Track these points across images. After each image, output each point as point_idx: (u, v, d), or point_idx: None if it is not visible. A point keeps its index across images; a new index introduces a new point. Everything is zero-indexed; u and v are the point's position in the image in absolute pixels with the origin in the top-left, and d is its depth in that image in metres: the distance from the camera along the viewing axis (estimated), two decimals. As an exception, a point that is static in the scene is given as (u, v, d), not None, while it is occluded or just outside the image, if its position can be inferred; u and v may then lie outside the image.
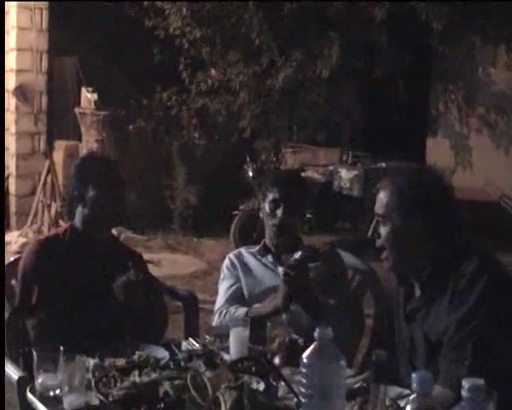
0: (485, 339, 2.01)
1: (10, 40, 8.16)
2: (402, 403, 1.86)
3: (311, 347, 1.70)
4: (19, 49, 8.22)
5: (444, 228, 2.16)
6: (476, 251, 2.16)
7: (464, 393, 1.38)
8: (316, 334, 1.69)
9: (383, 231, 2.19)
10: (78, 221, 2.77)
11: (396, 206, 2.16)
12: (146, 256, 3.15)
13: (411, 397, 1.50)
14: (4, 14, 7.42)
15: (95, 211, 2.71)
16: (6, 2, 7.40)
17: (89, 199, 2.71)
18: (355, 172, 8.05)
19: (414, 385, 1.48)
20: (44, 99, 8.50)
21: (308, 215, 7.49)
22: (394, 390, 1.98)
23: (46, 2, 8.29)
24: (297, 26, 8.84)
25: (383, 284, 3.10)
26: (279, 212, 2.80)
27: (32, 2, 8.18)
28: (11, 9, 8.06)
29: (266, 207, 2.85)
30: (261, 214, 2.94)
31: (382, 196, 2.21)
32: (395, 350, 2.29)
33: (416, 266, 2.19)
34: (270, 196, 2.84)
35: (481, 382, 1.37)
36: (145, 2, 8.95)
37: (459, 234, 2.18)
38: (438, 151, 9.33)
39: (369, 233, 2.24)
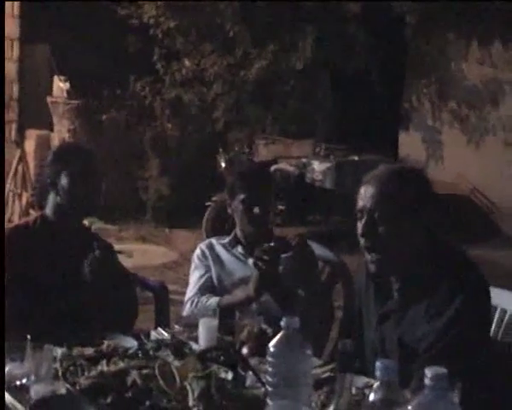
0: (463, 350, 2.01)
1: (-19, 27, 8.05)
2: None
3: (278, 336, 1.71)
4: (-11, 36, 8.11)
5: (431, 229, 2.13)
6: (459, 259, 2.14)
7: (427, 382, 1.39)
8: (282, 323, 1.71)
9: (380, 229, 2.06)
10: (49, 210, 2.75)
11: (393, 203, 2.07)
12: (118, 247, 3.13)
13: (375, 385, 1.51)
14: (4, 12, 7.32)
15: (68, 199, 2.69)
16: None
17: (62, 186, 2.69)
18: (327, 165, 8.08)
19: (378, 373, 1.50)
20: (15, 87, 8.41)
21: (280, 207, 7.52)
22: (361, 380, 2.00)
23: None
24: (272, 18, 8.84)
25: (353, 276, 3.13)
26: (255, 209, 2.80)
27: (4, -12, 8.08)
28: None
29: (239, 205, 2.84)
30: (229, 210, 2.92)
31: (375, 192, 2.08)
32: (363, 342, 2.29)
33: (402, 269, 2.13)
34: (241, 196, 2.83)
35: (444, 371, 1.39)
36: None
37: (442, 235, 2.15)
38: (410, 145, 9.39)
39: (360, 231, 2.09)
